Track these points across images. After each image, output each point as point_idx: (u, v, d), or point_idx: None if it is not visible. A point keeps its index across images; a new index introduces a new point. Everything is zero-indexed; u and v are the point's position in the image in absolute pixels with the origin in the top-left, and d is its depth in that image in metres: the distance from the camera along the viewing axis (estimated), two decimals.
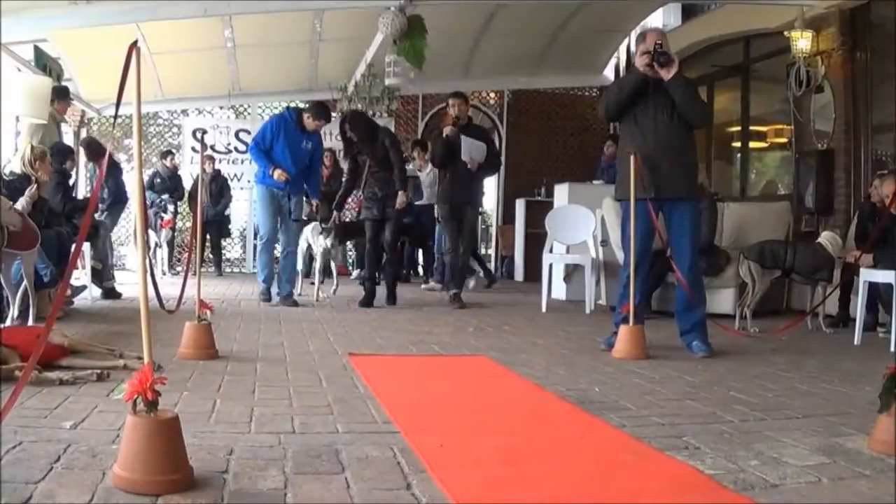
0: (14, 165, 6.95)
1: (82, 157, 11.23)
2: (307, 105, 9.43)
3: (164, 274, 11.87)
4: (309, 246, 9.33)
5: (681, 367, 5.01)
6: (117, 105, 2.93)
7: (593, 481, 2.73)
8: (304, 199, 8.98)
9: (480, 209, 12.08)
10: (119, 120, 3.11)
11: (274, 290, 8.53)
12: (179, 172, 13.13)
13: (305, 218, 9.30)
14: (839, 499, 2.55)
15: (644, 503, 2.53)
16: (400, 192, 8.29)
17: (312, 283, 9.44)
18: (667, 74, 5.45)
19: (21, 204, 6.17)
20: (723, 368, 5.06)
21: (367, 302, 8.42)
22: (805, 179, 9.90)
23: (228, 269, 13.99)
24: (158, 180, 12.58)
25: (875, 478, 2.77)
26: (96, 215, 9.17)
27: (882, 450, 3.03)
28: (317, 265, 9.19)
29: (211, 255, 13.13)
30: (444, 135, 8.73)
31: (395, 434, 3.17)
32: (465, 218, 8.78)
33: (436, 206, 10.17)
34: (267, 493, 2.44)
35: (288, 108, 8.40)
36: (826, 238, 7.06)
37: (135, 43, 2.69)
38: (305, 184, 8.67)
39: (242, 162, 13.93)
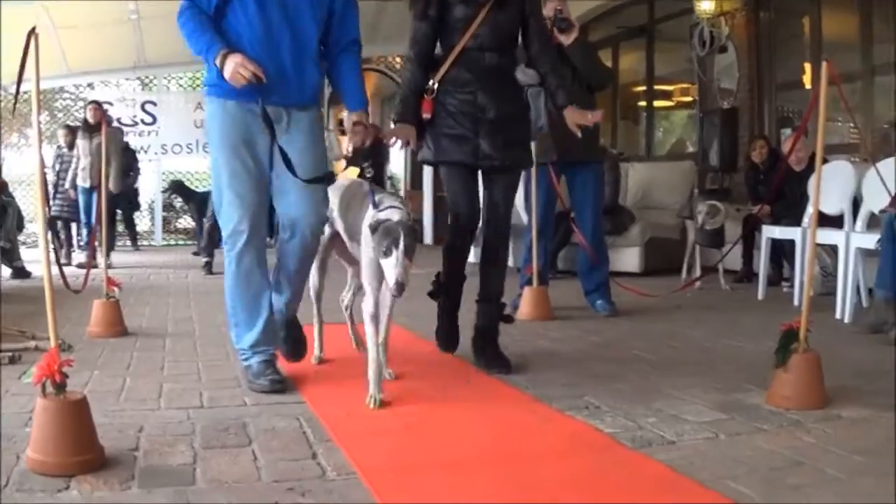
0: None
1: None
2: None
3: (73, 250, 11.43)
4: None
5: (585, 327, 5.04)
6: (18, 86, 3.00)
7: (494, 443, 2.73)
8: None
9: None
10: (25, 97, 3.12)
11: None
12: None
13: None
14: (735, 453, 2.56)
15: (542, 463, 2.50)
16: (569, 109, 4.07)
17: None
18: (567, 40, 5.39)
19: None
20: (627, 327, 5.09)
21: (450, 344, 4.32)
22: (709, 137, 9.98)
23: (142, 242, 13.63)
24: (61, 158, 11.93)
25: (772, 432, 2.80)
26: None
27: (779, 404, 3.08)
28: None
29: (126, 230, 12.78)
30: None
31: (301, 405, 3.20)
32: None
33: None
34: (176, 468, 2.46)
35: None
36: (702, 217, 7.11)
37: (33, 30, 2.67)
38: (328, 78, 3.66)
39: (149, 134, 13.58)
